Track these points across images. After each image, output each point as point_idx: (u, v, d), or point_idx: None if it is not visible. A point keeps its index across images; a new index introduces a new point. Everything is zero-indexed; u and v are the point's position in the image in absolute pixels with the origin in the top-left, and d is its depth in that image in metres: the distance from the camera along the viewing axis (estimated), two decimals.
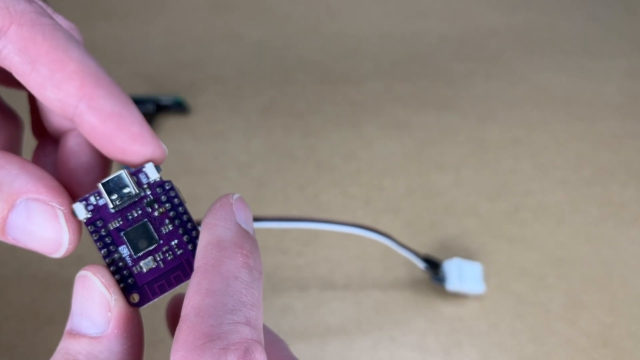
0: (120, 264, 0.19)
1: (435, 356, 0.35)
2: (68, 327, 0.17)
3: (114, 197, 0.19)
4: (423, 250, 0.39)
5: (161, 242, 0.19)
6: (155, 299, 0.19)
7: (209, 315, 0.16)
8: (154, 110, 0.45)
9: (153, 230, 0.19)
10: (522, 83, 0.52)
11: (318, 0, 0.58)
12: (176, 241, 0.19)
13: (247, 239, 0.18)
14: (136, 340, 0.18)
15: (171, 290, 0.19)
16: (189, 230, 0.20)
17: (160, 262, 0.19)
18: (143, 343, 0.19)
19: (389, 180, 0.44)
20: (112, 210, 0.19)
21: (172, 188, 0.20)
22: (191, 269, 0.19)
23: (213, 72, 0.50)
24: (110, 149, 0.19)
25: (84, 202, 0.19)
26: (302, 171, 0.44)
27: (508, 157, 0.46)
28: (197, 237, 0.20)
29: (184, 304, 0.16)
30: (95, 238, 0.19)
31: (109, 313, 0.17)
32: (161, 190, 0.20)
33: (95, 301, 0.17)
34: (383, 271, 0.39)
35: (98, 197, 0.19)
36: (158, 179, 0.20)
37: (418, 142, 0.47)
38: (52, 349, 0.17)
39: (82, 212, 0.19)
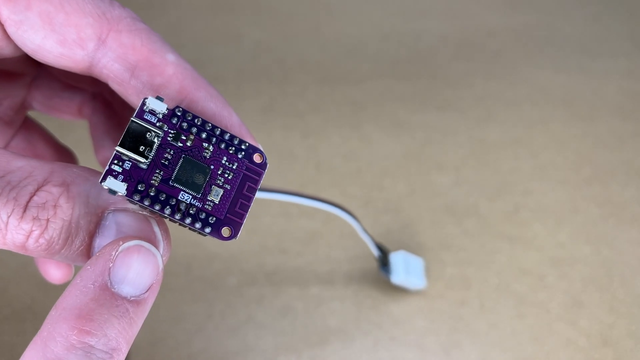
0: (192, 210, 0.17)
1: (436, 356, 0.35)
2: (110, 286, 0.15)
3: (140, 150, 0.16)
4: (428, 253, 0.39)
5: (212, 167, 0.17)
6: (245, 221, 0.18)
7: None
8: None
9: (198, 160, 0.17)
10: (522, 83, 0.52)
11: (318, 0, 0.58)
12: (225, 158, 0.18)
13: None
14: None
15: (252, 203, 0.18)
16: (227, 141, 0.18)
17: (225, 185, 0.18)
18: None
19: (389, 180, 0.44)
20: (144, 166, 0.17)
21: (186, 111, 0.18)
22: (254, 174, 0.18)
23: (213, 72, 0.50)
24: None
25: (111, 175, 0.16)
26: (302, 171, 0.44)
27: (508, 157, 0.46)
28: (240, 143, 0.18)
29: None
30: (147, 204, 0.16)
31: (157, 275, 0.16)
32: (177, 120, 0.18)
33: (149, 268, 0.15)
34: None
35: (121, 163, 0.16)
36: (167, 110, 0.18)
37: (418, 142, 0.47)
38: None
39: (118, 185, 0.16)
